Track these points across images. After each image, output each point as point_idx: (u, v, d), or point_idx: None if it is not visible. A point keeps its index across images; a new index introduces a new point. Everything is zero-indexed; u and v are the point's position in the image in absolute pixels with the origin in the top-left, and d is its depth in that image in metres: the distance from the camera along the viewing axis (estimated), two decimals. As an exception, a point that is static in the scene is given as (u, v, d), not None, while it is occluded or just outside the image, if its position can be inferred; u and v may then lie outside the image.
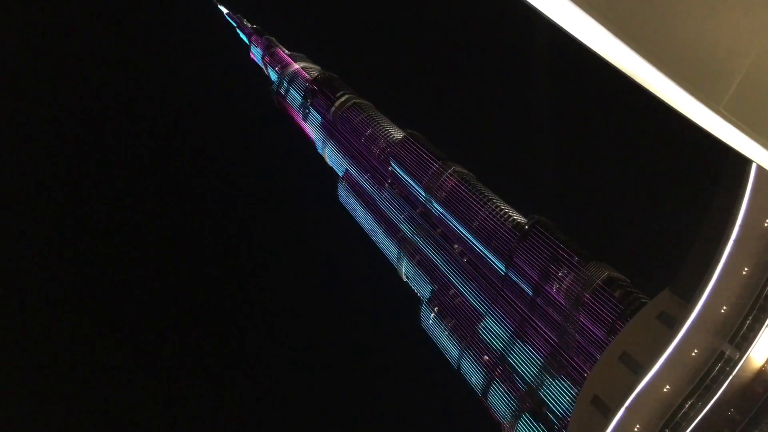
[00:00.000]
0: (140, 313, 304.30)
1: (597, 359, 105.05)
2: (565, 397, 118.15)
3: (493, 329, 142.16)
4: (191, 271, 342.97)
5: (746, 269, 63.46)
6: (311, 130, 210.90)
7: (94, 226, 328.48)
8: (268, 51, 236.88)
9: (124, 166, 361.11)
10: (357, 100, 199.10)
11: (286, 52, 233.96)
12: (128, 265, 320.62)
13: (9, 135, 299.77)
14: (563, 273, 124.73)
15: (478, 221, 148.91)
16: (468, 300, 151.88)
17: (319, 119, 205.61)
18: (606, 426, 71.39)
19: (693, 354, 66.95)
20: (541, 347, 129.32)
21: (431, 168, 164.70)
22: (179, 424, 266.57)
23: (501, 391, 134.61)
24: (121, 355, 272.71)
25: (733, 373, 64.29)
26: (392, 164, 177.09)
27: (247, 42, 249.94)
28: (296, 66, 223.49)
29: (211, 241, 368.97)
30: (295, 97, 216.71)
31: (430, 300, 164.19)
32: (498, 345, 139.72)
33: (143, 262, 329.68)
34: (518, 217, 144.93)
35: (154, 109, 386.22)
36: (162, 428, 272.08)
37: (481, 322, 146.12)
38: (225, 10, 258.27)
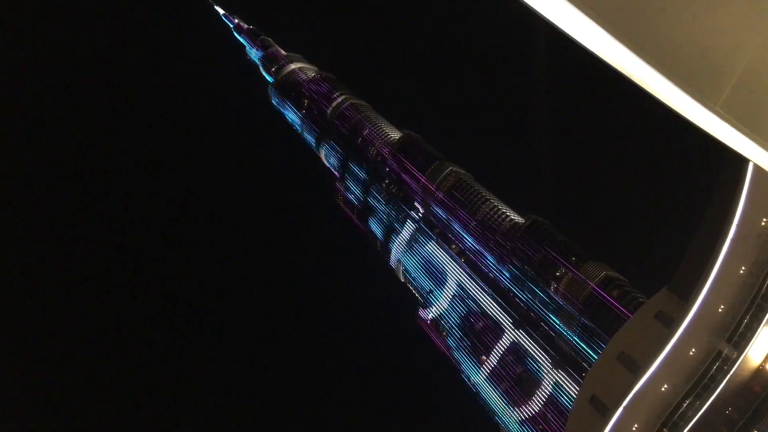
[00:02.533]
0: (137, 315, 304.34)
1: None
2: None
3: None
4: (187, 271, 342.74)
5: (744, 268, 63.59)
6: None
7: (91, 227, 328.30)
8: (265, 52, 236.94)
9: (122, 168, 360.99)
10: (354, 101, 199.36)
11: (283, 52, 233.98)
12: (124, 266, 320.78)
13: (5, 135, 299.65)
14: (560, 273, 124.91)
15: (476, 221, 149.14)
16: (465, 301, 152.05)
17: (317, 120, 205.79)
18: (604, 426, 71.43)
19: (691, 353, 67.03)
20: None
21: (428, 168, 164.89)
22: (173, 424, 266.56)
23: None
24: (115, 355, 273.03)
25: (731, 372, 64.38)
26: (389, 165, 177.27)
27: (244, 43, 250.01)
28: (293, 66, 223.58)
29: (208, 241, 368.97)
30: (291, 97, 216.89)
31: (427, 300, 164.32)
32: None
33: (140, 262, 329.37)
34: (516, 217, 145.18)
35: (150, 110, 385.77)
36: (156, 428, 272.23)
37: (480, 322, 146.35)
38: (221, 11, 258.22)
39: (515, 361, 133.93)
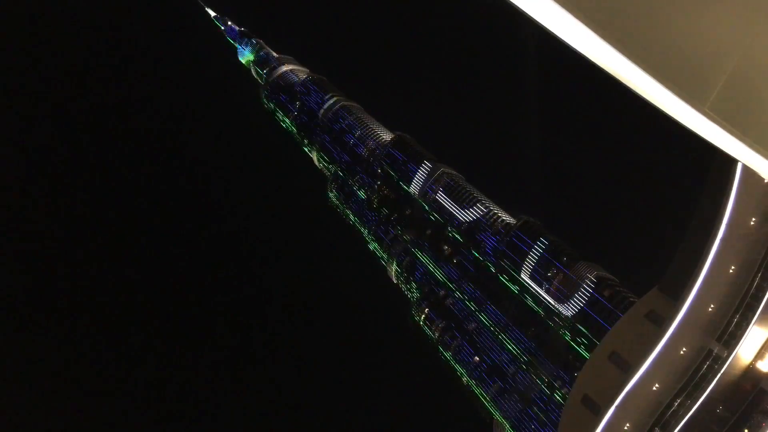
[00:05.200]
0: (132, 314, 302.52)
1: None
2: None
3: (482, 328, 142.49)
4: (182, 272, 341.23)
5: (733, 267, 63.94)
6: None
7: (86, 227, 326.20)
8: (256, 54, 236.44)
9: (118, 170, 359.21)
10: (345, 102, 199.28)
11: (274, 54, 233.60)
12: (120, 266, 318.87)
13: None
14: (552, 273, 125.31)
15: (468, 223, 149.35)
16: (458, 301, 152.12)
17: (309, 121, 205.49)
18: (596, 425, 71.56)
19: (681, 352, 67.32)
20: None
21: (420, 170, 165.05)
22: (167, 425, 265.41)
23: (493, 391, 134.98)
24: (108, 358, 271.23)
25: (722, 371, 64.69)
26: (381, 166, 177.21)
27: (235, 45, 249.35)
28: (284, 68, 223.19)
29: (202, 242, 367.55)
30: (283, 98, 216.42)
31: (420, 301, 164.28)
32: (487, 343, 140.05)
33: (136, 262, 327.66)
34: (507, 218, 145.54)
35: (142, 111, 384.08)
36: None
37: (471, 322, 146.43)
38: (212, 13, 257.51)
39: (508, 361, 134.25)
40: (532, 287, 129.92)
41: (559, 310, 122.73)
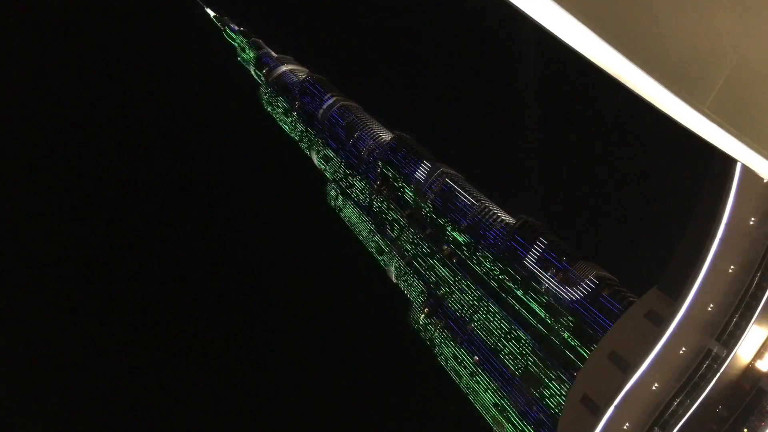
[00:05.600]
0: (130, 317, 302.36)
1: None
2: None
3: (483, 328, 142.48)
4: (181, 271, 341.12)
5: (732, 267, 63.98)
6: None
7: (84, 229, 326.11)
8: (256, 54, 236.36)
9: (117, 171, 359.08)
10: (345, 102, 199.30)
11: (274, 54, 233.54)
12: (119, 268, 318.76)
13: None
14: (552, 273, 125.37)
15: (467, 222, 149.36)
16: (457, 301, 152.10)
17: (309, 121, 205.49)
18: (596, 425, 71.63)
19: (681, 352, 67.37)
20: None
21: (420, 170, 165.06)
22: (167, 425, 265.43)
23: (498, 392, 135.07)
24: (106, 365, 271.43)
25: (721, 371, 64.74)
26: (381, 166, 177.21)
27: (235, 45, 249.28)
28: (284, 68, 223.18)
29: (200, 243, 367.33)
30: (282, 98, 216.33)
31: (419, 301, 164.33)
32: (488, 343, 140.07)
33: (134, 263, 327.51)
34: (507, 218, 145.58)
35: (141, 112, 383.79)
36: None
37: (471, 322, 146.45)
38: (212, 13, 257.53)
39: (507, 361, 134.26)
40: (531, 286, 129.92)
41: (558, 310, 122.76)
